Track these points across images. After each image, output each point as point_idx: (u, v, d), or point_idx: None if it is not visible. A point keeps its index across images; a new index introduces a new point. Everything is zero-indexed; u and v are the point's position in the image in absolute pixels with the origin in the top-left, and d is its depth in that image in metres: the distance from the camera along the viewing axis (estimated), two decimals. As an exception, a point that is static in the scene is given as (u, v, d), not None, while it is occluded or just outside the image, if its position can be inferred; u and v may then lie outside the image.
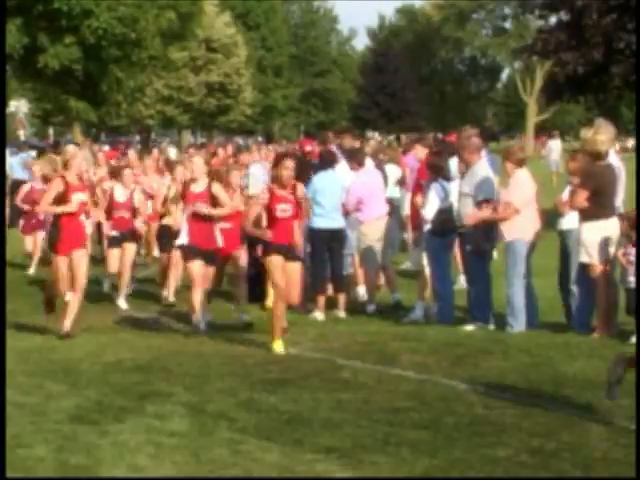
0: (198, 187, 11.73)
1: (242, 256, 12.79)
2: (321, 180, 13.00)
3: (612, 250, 10.98)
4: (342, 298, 13.02)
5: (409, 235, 15.08)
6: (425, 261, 12.58)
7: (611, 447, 6.81)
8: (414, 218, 13.15)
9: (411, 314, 12.56)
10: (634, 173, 12.40)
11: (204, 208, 11.58)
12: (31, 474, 6.23)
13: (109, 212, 14.38)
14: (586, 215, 10.95)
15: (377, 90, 78.99)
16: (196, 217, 11.61)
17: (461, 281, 13.32)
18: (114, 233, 14.33)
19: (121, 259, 14.24)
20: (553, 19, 30.07)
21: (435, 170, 12.28)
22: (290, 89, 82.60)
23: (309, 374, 9.12)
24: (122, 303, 13.97)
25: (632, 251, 10.76)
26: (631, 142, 63.85)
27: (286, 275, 10.41)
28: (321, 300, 12.92)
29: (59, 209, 11.47)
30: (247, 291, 12.79)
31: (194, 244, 11.59)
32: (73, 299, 11.46)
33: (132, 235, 14.40)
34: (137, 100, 52.19)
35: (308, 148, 15.18)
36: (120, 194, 14.37)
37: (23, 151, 28.10)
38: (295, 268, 10.58)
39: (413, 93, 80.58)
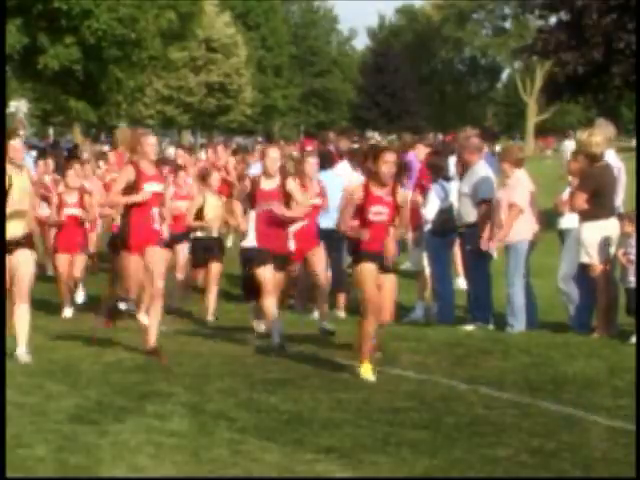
0: (270, 184, 10.74)
1: (321, 255, 11.69)
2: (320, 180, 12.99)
3: (612, 250, 10.99)
4: (342, 298, 13.01)
5: (409, 235, 15.07)
6: (425, 261, 12.59)
7: (611, 447, 6.81)
8: (414, 218, 13.14)
9: (411, 314, 12.56)
10: (634, 173, 12.41)
11: (278, 208, 10.56)
12: (31, 474, 6.23)
13: None
14: (586, 215, 10.96)
15: (377, 90, 79.00)
16: (266, 218, 10.63)
17: (459, 283, 13.31)
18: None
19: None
20: (553, 19, 30.06)
21: (435, 170, 12.28)
22: (290, 89, 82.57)
23: (309, 374, 9.12)
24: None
25: (632, 251, 10.76)
26: (634, 142, 63.84)
27: (380, 288, 9.00)
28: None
29: (129, 199, 10.09)
30: (242, 290, 12.56)
31: (264, 247, 10.60)
32: (154, 307, 10.10)
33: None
34: (137, 100, 52.19)
35: (308, 148, 15.18)
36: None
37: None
38: (391, 280, 9.14)
39: (413, 93, 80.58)
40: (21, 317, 9.75)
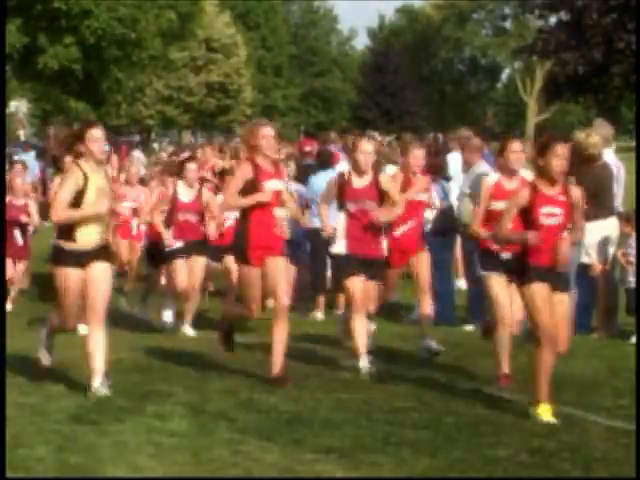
0: (361, 181, 9.41)
1: (426, 260, 10.31)
2: (320, 180, 12.98)
3: (612, 250, 10.99)
4: (342, 298, 13.01)
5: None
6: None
7: (611, 447, 6.81)
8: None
9: (411, 314, 12.56)
10: (634, 173, 12.41)
11: (371, 209, 9.31)
12: (31, 474, 6.22)
13: (170, 216, 11.79)
14: (585, 216, 10.96)
15: (377, 90, 78.95)
16: (356, 218, 9.35)
17: (459, 283, 13.31)
18: (178, 243, 11.74)
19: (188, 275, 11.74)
20: (553, 19, 30.12)
21: (435, 170, 12.28)
22: (290, 89, 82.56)
23: (309, 374, 9.12)
24: (189, 330, 11.90)
25: (632, 251, 10.77)
26: (634, 142, 63.89)
27: (553, 311, 7.51)
28: (321, 300, 12.92)
29: (249, 200, 8.65)
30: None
31: (355, 254, 9.31)
32: (279, 327, 8.68)
33: (201, 244, 11.88)
34: (137, 100, 52.20)
35: (308, 148, 15.18)
36: (184, 193, 11.84)
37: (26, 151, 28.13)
38: (564, 302, 7.68)
39: (413, 93, 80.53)
40: (96, 344, 8.09)
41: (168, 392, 8.32)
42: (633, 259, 10.86)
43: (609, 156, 11.40)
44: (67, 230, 8.16)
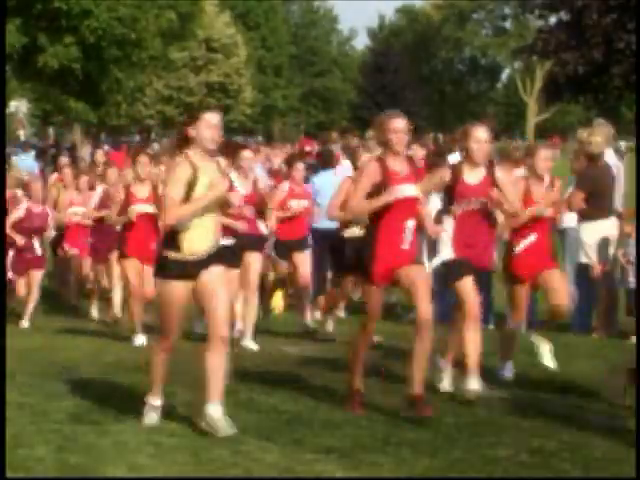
0: (475, 176, 8.07)
1: (561, 278, 8.95)
2: (320, 180, 12.99)
3: (612, 250, 11.00)
4: (322, 300, 12.96)
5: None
6: (425, 260, 12.57)
7: (611, 447, 6.81)
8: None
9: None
10: (634, 173, 12.41)
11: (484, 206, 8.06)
12: (31, 474, 6.22)
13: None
14: (584, 216, 10.97)
15: (377, 90, 78.98)
16: (468, 219, 8.10)
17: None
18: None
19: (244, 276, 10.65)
20: (553, 19, 30.13)
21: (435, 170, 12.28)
22: (290, 89, 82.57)
23: (309, 374, 9.12)
24: (251, 343, 10.84)
25: (632, 251, 10.77)
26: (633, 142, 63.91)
27: None
28: (321, 300, 12.91)
29: (381, 202, 7.39)
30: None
31: (464, 258, 8.08)
32: (419, 345, 7.53)
33: (258, 242, 10.93)
34: (137, 100, 52.19)
35: (308, 148, 15.17)
36: (240, 185, 10.38)
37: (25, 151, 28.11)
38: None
39: (413, 93, 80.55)
40: (216, 368, 7.03)
41: (168, 392, 8.32)
42: (633, 259, 10.86)
43: (609, 156, 11.41)
44: (173, 236, 6.88)
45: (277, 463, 6.39)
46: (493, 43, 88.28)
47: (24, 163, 24.18)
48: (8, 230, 12.90)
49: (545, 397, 8.17)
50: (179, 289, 6.95)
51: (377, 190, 7.39)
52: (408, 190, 7.43)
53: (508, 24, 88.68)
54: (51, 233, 13.83)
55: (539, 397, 8.19)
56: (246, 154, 10.44)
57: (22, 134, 56.24)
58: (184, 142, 6.91)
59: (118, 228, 11.44)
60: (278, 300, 13.76)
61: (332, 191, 12.92)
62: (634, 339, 10.37)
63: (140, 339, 10.97)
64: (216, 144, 6.93)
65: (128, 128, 69.91)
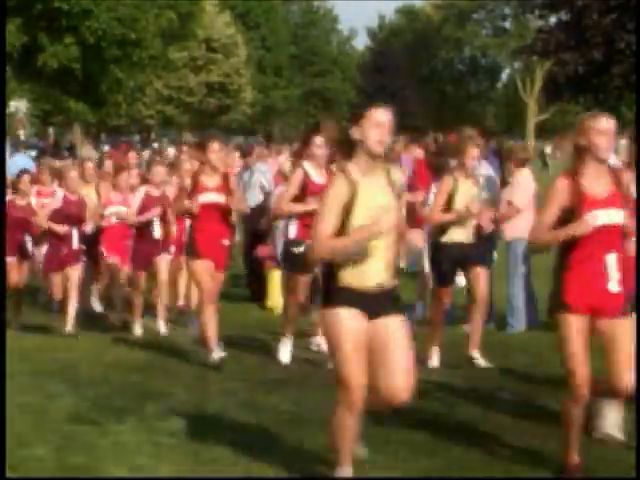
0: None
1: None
2: (321, 180, 12.96)
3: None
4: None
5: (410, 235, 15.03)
6: (425, 261, 12.56)
7: (611, 447, 6.81)
8: (413, 218, 13.13)
9: (411, 314, 12.55)
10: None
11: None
12: (31, 474, 6.23)
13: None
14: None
15: (377, 90, 78.96)
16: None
17: (459, 282, 13.28)
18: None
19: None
20: (553, 19, 30.13)
21: (436, 170, 12.28)
22: (290, 89, 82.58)
23: (309, 374, 9.12)
24: (285, 358, 10.02)
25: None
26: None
27: None
28: (321, 300, 12.88)
29: (562, 233, 6.19)
30: (249, 291, 12.37)
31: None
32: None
33: None
34: (137, 100, 52.21)
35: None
36: (316, 174, 9.58)
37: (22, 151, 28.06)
38: None
39: (413, 93, 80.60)
40: None
41: (168, 392, 8.33)
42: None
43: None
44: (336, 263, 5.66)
45: (277, 463, 6.40)
46: (493, 43, 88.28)
47: (16, 163, 23.28)
48: (45, 222, 11.68)
49: (545, 397, 8.17)
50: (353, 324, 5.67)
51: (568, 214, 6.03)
52: (605, 217, 5.99)
53: (508, 24, 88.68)
54: (89, 228, 11.95)
55: (539, 397, 8.19)
56: (318, 141, 9.45)
57: (22, 134, 56.23)
58: (347, 148, 5.74)
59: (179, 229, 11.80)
60: (278, 300, 13.73)
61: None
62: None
63: (217, 354, 9.50)
64: (384, 147, 5.72)
65: (128, 128, 69.92)
